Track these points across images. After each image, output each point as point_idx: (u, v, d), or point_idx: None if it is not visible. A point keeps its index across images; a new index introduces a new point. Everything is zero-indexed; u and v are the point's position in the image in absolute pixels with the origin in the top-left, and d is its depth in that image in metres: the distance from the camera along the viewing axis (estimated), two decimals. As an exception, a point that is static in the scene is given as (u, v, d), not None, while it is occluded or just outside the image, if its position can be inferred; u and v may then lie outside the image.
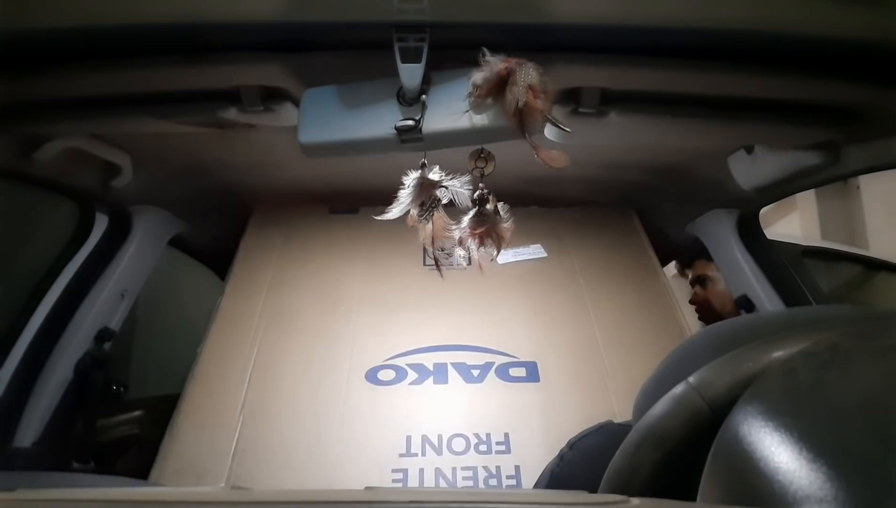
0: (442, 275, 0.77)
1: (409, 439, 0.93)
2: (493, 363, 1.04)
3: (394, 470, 0.89)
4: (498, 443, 0.92)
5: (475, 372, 1.02)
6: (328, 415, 0.98)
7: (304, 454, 0.93)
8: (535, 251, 1.24)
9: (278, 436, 0.96)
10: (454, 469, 0.89)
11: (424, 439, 0.93)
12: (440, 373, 1.03)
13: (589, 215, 1.37)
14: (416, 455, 0.91)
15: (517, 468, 0.89)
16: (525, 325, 1.10)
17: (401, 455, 0.91)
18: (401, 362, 1.05)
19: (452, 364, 1.04)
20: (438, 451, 0.92)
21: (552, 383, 1.01)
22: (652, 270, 1.24)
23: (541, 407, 0.97)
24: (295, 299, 1.18)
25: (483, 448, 0.92)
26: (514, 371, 1.03)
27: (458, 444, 0.92)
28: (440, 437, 0.93)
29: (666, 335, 1.10)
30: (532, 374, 1.02)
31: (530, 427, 0.94)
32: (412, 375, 1.03)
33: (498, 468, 0.89)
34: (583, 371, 1.02)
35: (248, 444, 0.95)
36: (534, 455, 0.91)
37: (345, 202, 1.39)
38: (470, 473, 0.89)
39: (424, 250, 1.25)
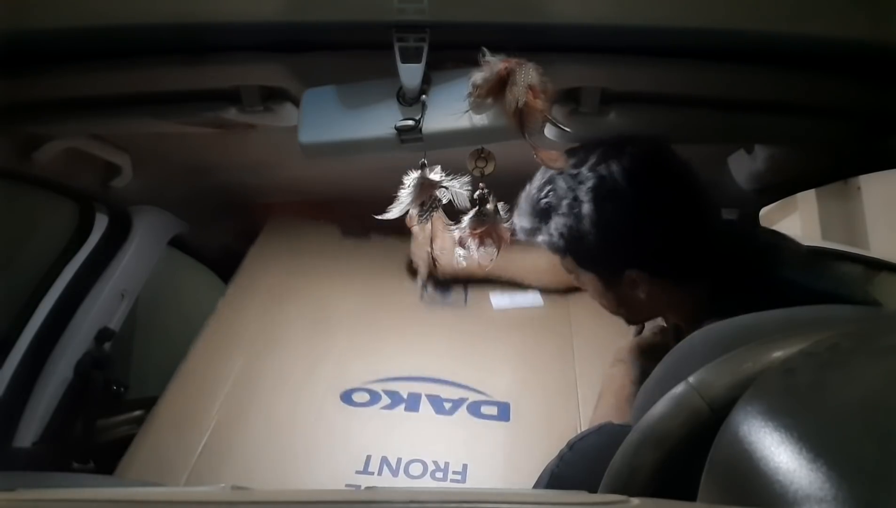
0: (440, 275, 0.77)
1: (368, 458, 0.95)
2: (467, 398, 1.05)
3: (347, 485, 0.91)
4: (455, 472, 0.94)
5: (447, 405, 1.04)
6: (297, 427, 1.00)
7: (267, 459, 0.96)
8: (532, 299, 1.24)
9: (246, 440, 0.98)
10: None
11: (383, 460, 0.95)
12: (413, 402, 1.05)
13: None
14: (371, 473, 0.93)
15: None
16: (507, 366, 1.12)
17: (357, 472, 0.93)
18: (377, 387, 1.07)
19: (426, 395, 1.06)
20: (395, 472, 0.93)
21: (522, 424, 1.02)
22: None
23: (505, 446, 0.98)
24: (290, 313, 1.21)
25: (439, 475, 0.93)
26: (485, 409, 1.04)
27: (415, 469, 0.94)
28: (399, 460, 0.95)
29: None
30: (503, 414, 1.03)
31: (491, 463, 0.96)
32: (385, 400, 1.05)
33: None
34: (556, 417, 1.03)
35: (216, 445, 0.98)
36: (488, 487, 0.92)
37: (352, 211, 1.40)
38: (459, 488, 0.91)
39: (423, 286, 1.27)
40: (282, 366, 1.10)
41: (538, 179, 0.84)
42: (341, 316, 1.20)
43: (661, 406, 0.37)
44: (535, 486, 0.56)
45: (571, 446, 0.55)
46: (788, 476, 0.24)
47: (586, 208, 0.77)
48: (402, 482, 0.92)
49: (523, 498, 0.37)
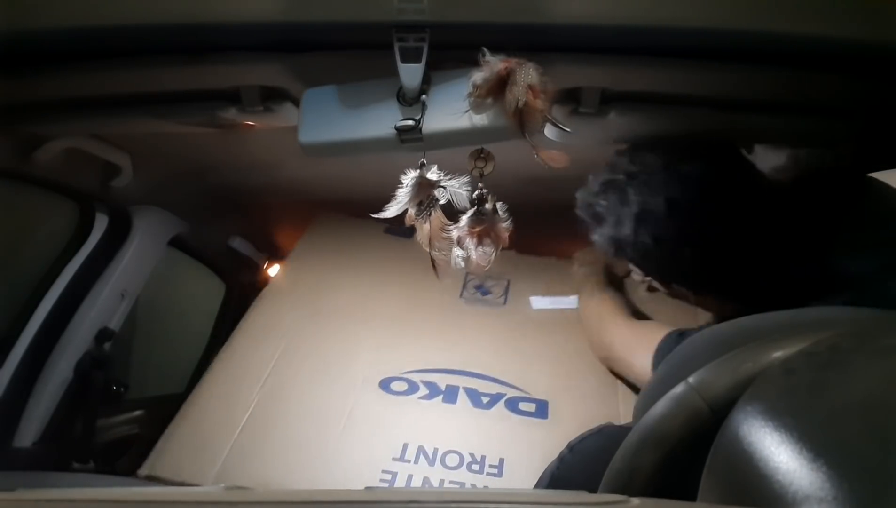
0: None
1: (405, 446, 0.96)
2: (505, 394, 1.06)
3: (384, 471, 0.92)
4: (491, 466, 0.94)
5: (485, 399, 1.05)
6: (335, 412, 1.01)
7: (305, 442, 0.97)
8: (572, 302, 1.25)
9: (285, 423, 1.00)
10: (442, 480, 0.91)
11: (420, 449, 0.95)
12: (451, 394, 1.05)
13: None
14: (409, 461, 0.93)
15: None
16: (547, 365, 1.12)
17: (394, 459, 0.94)
18: (416, 377, 1.08)
19: (464, 388, 1.06)
20: (431, 462, 0.94)
21: (560, 423, 1.02)
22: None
23: (542, 444, 0.98)
24: (332, 306, 1.22)
25: (475, 467, 0.93)
26: (523, 406, 1.04)
27: (452, 460, 0.94)
28: (436, 450, 0.95)
29: None
30: (541, 411, 1.03)
31: (527, 459, 0.95)
32: (423, 390, 1.06)
33: (486, 487, 0.91)
34: (595, 418, 1.02)
35: (256, 425, 0.99)
36: (525, 483, 0.92)
37: (352, 211, 1.42)
38: (457, 488, 0.91)
39: (464, 283, 1.30)
40: (322, 353, 1.12)
41: (595, 183, 0.86)
42: (382, 309, 1.22)
43: (661, 407, 0.37)
44: (536, 487, 0.56)
45: (571, 448, 0.55)
46: (788, 476, 0.24)
47: (627, 229, 0.79)
48: (438, 471, 0.92)
49: (523, 498, 0.37)
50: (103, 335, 1.14)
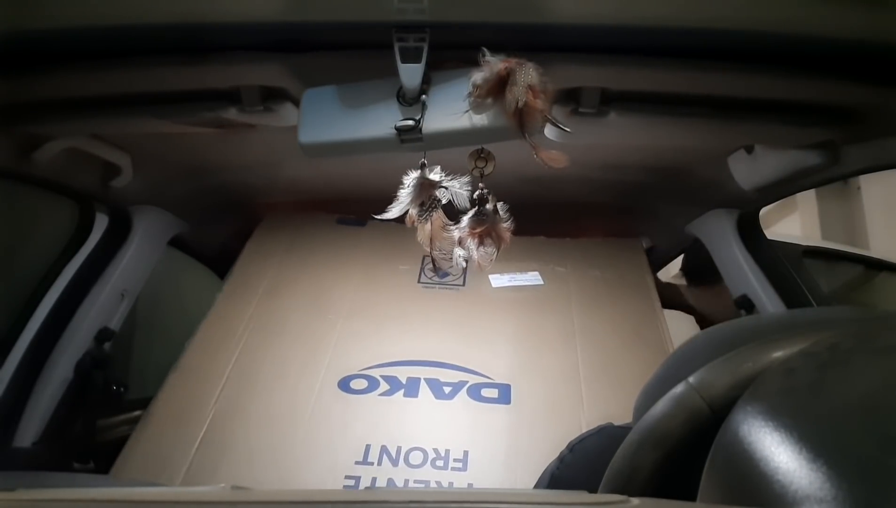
0: (438, 275, 0.77)
1: (368, 448, 0.94)
2: (467, 382, 1.04)
3: (347, 477, 0.90)
4: (455, 460, 0.93)
5: (447, 389, 1.03)
6: (295, 418, 0.99)
7: (266, 451, 0.95)
8: (532, 278, 1.23)
9: (244, 433, 0.98)
10: (406, 480, 0.90)
11: (383, 449, 0.94)
12: (412, 387, 1.03)
13: (596, 246, 1.37)
14: (371, 463, 0.92)
15: (469, 486, 0.90)
16: (507, 348, 1.11)
17: (356, 463, 0.92)
18: (375, 373, 1.06)
19: (425, 379, 1.05)
20: (395, 462, 0.92)
21: (523, 407, 1.00)
22: (649, 304, 1.23)
23: (507, 430, 0.97)
24: (287, 303, 1.21)
25: (439, 463, 0.92)
26: (486, 392, 1.03)
27: (416, 457, 0.93)
28: (399, 449, 0.94)
29: (651, 372, 1.10)
30: (504, 396, 1.02)
31: (492, 448, 0.94)
32: (384, 386, 1.04)
33: (451, 484, 0.89)
34: (557, 399, 1.02)
35: (215, 437, 0.97)
36: (489, 475, 0.91)
37: (351, 211, 1.41)
38: (421, 487, 0.90)
39: (421, 268, 1.27)
40: (279, 356, 1.10)
41: None
42: (338, 303, 1.20)
43: (661, 406, 0.37)
44: (536, 487, 0.56)
45: (571, 448, 0.55)
46: (788, 476, 0.24)
47: None
48: (402, 472, 0.91)
49: (523, 498, 0.37)
50: (103, 335, 1.14)
